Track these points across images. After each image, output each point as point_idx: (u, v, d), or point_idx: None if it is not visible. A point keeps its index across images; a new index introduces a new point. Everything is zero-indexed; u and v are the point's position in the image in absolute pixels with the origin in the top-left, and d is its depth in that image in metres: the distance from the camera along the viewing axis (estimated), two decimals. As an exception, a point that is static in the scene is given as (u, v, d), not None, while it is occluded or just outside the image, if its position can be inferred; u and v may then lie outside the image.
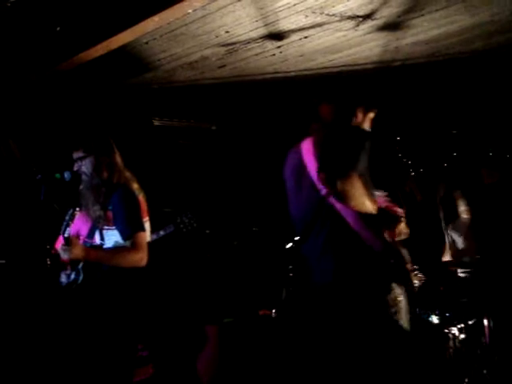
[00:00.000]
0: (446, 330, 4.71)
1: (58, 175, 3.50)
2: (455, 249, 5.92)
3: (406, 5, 3.92)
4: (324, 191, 2.88)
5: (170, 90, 5.53)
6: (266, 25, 4.13)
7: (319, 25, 4.19)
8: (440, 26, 4.34)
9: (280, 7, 3.86)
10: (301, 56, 4.81)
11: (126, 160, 3.70)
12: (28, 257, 4.25)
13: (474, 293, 5.15)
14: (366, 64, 5.10)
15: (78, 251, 3.25)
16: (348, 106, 3.15)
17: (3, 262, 4.21)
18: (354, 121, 3.11)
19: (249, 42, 4.43)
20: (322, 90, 3.61)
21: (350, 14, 4.03)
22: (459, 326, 4.75)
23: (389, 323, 2.85)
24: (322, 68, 5.15)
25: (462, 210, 5.94)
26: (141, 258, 3.35)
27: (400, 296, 2.88)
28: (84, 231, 3.53)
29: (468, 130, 6.81)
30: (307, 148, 3.10)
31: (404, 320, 2.90)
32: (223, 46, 4.48)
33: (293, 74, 5.26)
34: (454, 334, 4.69)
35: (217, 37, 4.31)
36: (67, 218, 3.60)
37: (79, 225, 3.57)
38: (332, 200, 2.90)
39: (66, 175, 3.51)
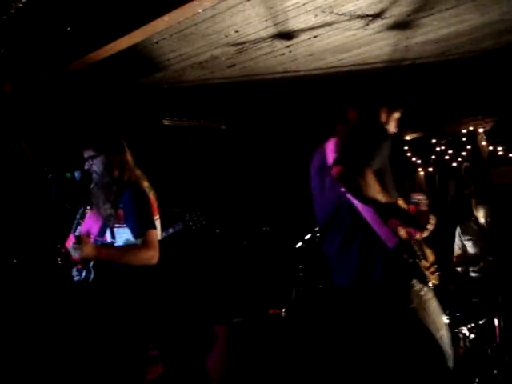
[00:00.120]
0: (457, 330, 4.70)
1: (68, 174, 3.51)
2: (464, 249, 5.89)
3: (416, 4, 3.91)
4: (342, 188, 2.86)
5: (179, 89, 5.55)
6: (275, 24, 4.13)
7: (329, 24, 4.19)
8: (450, 25, 4.33)
9: (289, 6, 3.86)
10: (310, 55, 4.81)
11: (137, 159, 3.71)
12: (39, 256, 4.27)
13: (484, 292, 5.14)
14: (376, 63, 5.10)
15: (88, 250, 3.26)
16: (371, 106, 3.16)
17: (15, 261, 4.23)
18: (378, 121, 3.12)
19: (258, 42, 4.44)
20: (346, 90, 3.62)
21: (359, 13, 4.03)
22: (469, 326, 4.74)
23: (412, 321, 2.86)
24: (332, 67, 5.15)
25: (481, 215, 5.80)
26: (152, 255, 3.35)
27: (422, 291, 2.89)
28: (95, 230, 3.53)
29: (475, 128, 6.81)
30: (331, 148, 3.10)
31: (431, 316, 2.90)
32: (233, 45, 4.49)
33: (302, 73, 5.26)
34: (464, 334, 4.69)
35: (226, 36, 4.31)
36: (78, 216, 3.61)
37: (90, 223, 3.58)
38: (350, 197, 2.90)
39: (77, 174, 3.52)
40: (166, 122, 6.15)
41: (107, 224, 3.45)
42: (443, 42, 4.65)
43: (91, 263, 3.38)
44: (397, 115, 3.20)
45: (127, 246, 3.42)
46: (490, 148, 6.75)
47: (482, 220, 5.74)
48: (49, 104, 5.13)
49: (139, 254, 3.34)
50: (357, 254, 2.94)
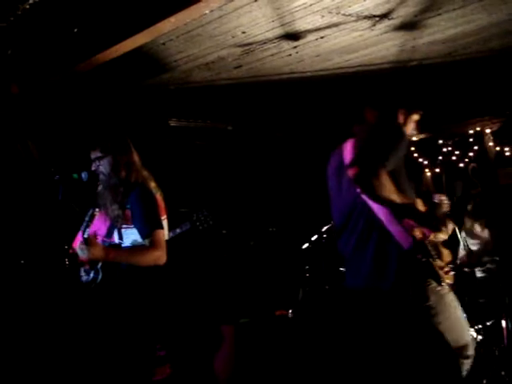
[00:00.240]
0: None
1: (75, 175, 3.52)
2: (470, 250, 5.86)
3: (423, 4, 3.90)
4: (358, 189, 2.92)
5: (186, 90, 5.55)
6: (282, 25, 4.13)
7: (335, 25, 4.18)
8: (457, 26, 4.32)
9: (296, 7, 3.86)
10: (317, 56, 4.81)
11: (144, 160, 3.71)
12: (46, 257, 4.28)
13: (491, 294, 5.12)
14: (383, 64, 5.09)
15: (97, 251, 3.27)
16: (389, 107, 3.21)
17: (22, 262, 4.24)
18: (395, 123, 3.16)
19: (265, 43, 4.44)
20: (363, 91, 3.64)
21: (366, 13, 4.03)
22: (477, 327, 4.72)
23: (426, 320, 2.91)
24: (338, 68, 5.15)
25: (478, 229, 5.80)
26: (159, 256, 3.36)
27: (438, 287, 2.94)
28: (102, 230, 3.54)
29: (482, 129, 6.78)
30: (348, 149, 3.16)
31: (448, 311, 2.96)
32: (239, 46, 4.49)
33: (309, 74, 5.25)
34: (471, 336, 4.67)
35: (233, 37, 4.31)
36: (87, 218, 3.62)
37: (98, 224, 3.58)
38: (365, 197, 2.94)
39: (84, 175, 3.53)
40: (172, 123, 6.15)
41: (115, 225, 3.46)
42: (450, 42, 4.64)
43: (99, 264, 3.39)
44: (415, 117, 3.25)
45: (135, 247, 3.42)
46: (497, 148, 6.72)
47: (478, 230, 5.75)
48: (56, 105, 5.14)
49: (147, 255, 3.34)
50: (371, 254, 2.99)
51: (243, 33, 4.24)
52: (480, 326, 4.74)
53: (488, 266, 5.55)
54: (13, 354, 3.97)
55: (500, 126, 6.71)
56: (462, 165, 6.93)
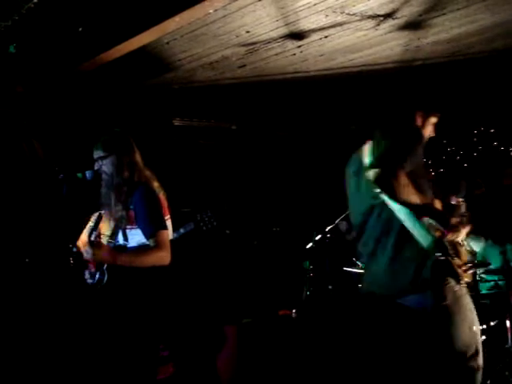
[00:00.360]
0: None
1: (79, 174, 3.52)
2: (472, 250, 5.85)
3: (427, 4, 3.90)
4: (378, 190, 2.98)
5: (190, 89, 5.55)
6: (286, 24, 4.13)
7: (339, 24, 4.18)
8: (461, 25, 4.31)
9: (300, 7, 3.86)
10: (321, 55, 4.81)
11: (147, 160, 3.71)
12: (51, 255, 4.28)
13: (495, 294, 5.11)
14: (387, 63, 5.09)
15: (104, 255, 3.28)
16: (406, 110, 3.27)
17: (27, 260, 4.24)
18: (413, 125, 3.21)
19: (269, 42, 4.43)
20: (383, 94, 3.68)
21: (370, 13, 4.02)
22: (481, 328, 4.71)
23: (443, 320, 2.94)
24: (342, 68, 5.15)
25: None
26: (164, 256, 3.36)
27: (456, 287, 2.97)
28: (107, 231, 3.54)
29: (486, 129, 6.77)
30: (367, 151, 3.22)
31: (464, 312, 2.98)
32: (243, 45, 4.49)
33: (313, 73, 5.25)
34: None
35: (237, 37, 4.31)
36: (93, 220, 3.62)
37: (102, 225, 3.59)
38: (385, 198, 3.00)
39: (88, 174, 3.53)
40: (176, 123, 6.15)
41: (119, 226, 3.46)
42: (454, 42, 4.64)
43: (105, 265, 3.39)
44: (433, 119, 3.29)
45: (139, 249, 3.42)
46: (502, 148, 6.71)
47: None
48: (60, 104, 5.15)
49: (151, 256, 3.34)
50: (390, 253, 3.03)
51: (247, 32, 4.24)
52: (484, 327, 4.72)
53: (491, 266, 5.54)
54: (16, 353, 3.97)
55: (504, 125, 6.70)
56: (466, 165, 6.93)
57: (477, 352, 3.00)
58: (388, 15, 4.06)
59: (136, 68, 4.85)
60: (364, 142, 3.29)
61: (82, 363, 3.58)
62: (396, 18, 4.12)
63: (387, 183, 2.81)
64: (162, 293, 3.45)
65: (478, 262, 5.70)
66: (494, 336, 4.72)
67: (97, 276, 3.41)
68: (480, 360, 3.01)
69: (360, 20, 4.12)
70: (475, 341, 3.01)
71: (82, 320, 3.59)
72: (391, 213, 3.03)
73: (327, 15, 4.01)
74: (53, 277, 4.00)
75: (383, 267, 3.07)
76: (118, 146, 3.57)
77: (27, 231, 4.32)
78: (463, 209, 3.10)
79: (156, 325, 3.39)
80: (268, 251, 6.54)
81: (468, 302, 3.02)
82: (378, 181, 2.85)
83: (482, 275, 5.60)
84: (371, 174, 2.89)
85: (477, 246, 5.73)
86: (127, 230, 3.45)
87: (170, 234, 3.56)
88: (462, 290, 3.00)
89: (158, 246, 3.35)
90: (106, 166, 3.55)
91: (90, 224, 3.66)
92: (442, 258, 2.94)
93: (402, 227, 3.01)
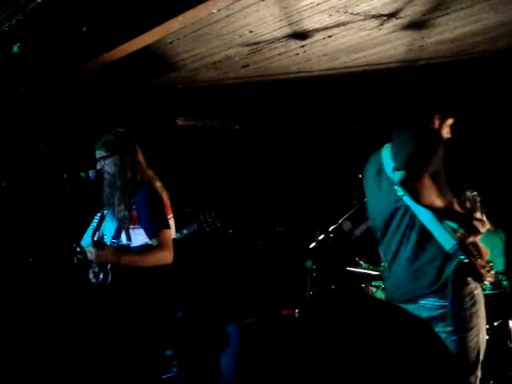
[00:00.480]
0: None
1: (83, 174, 3.53)
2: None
3: (431, 3, 3.89)
4: (400, 192, 3.04)
5: (193, 89, 5.55)
6: (289, 24, 4.12)
7: (343, 24, 4.17)
8: (465, 25, 4.30)
9: (304, 6, 3.85)
10: (324, 55, 4.80)
11: (151, 159, 3.71)
12: (55, 255, 4.29)
13: (499, 294, 5.10)
14: (391, 63, 5.08)
15: (107, 256, 3.29)
16: (425, 113, 3.32)
17: (31, 259, 4.25)
18: (430, 127, 3.28)
19: (272, 42, 4.43)
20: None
21: (374, 12, 4.01)
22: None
23: (459, 322, 2.98)
24: (346, 67, 5.14)
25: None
26: (167, 256, 3.36)
27: (476, 290, 3.03)
28: (110, 231, 3.54)
29: (489, 129, 6.75)
30: (387, 153, 3.25)
31: (480, 315, 3.04)
32: (247, 45, 4.48)
33: (316, 73, 5.25)
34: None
35: (240, 36, 4.31)
36: (96, 220, 3.63)
37: (105, 225, 3.59)
38: (407, 200, 3.05)
39: (91, 174, 3.53)
40: (179, 122, 6.15)
41: (122, 226, 3.46)
42: (458, 41, 4.63)
43: (108, 265, 3.40)
44: (450, 121, 3.34)
45: (142, 249, 3.43)
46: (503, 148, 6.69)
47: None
48: (64, 104, 5.15)
49: (154, 255, 3.35)
50: (412, 255, 3.07)
51: (250, 32, 4.23)
52: (487, 327, 4.71)
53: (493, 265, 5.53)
54: (20, 352, 3.98)
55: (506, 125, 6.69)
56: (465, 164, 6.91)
57: (477, 361, 3.02)
58: (392, 15, 4.05)
59: (139, 68, 4.85)
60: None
61: (87, 362, 3.58)
62: (400, 18, 4.11)
63: (412, 186, 2.84)
64: (165, 292, 3.45)
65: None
66: (497, 336, 4.71)
67: (100, 276, 3.41)
68: (478, 372, 3.03)
69: (363, 20, 4.11)
70: (478, 350, 3.03)
71: (86, 319, 3.60)
72: (414, 215, 3.07)
73: (331, 15, 4.01)
74: (57, 276, 4.01)
75: (405, 268, 3.10)
76: (120, 146, 3.58)
77: (31, 231, 4.33)
78: (479, 203, 3.13)
79: (159, 324, 3.39)
80: (271, 251, 6.54)
81: (481, 309, 3.06)
82: (403, 183, 2.88)
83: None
84: (396, 176, 2.91)
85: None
86: (130, 230, 3.46)
87: (172, 233, 3.56)
88: (480, 295, 3.05)
89: (160, 245, 3.35)
90: (108, 166, 3.56)
91: (93, 224, 3.67)
92: (466, 260, 2.96)
93: (424, 229, 3.03)
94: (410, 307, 3.07)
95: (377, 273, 5.45)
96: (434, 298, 3.00)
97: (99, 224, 3.62)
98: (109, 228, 3.57)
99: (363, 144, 3.35)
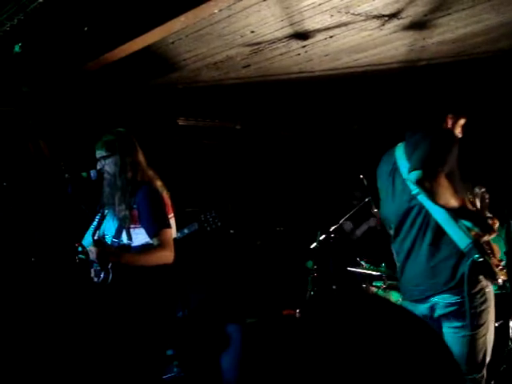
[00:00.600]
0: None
1: (84, 174, 3.53)
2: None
3: (433, 4, 3.89)
4: (415, 191, 3.08)
5: (194, 89, 5.55)
6: (291, 24, 4.12)
7: (344, 24, 4.17)
8: (466, 25, 4.30)
9: (305, 7, 3.85)
10: (326, 55, 4.80)
11: (152, 159, 3.72)
12: (57, 254, 4.30)
13: (499, 294, 5.09)
14: (392, 63, 5.08)
15: (107, 255, 3.29)
16: (439, 113, 3.35)
17: (33, 259, 4.26)
18: (443, 127, 3.31)
19: (274, 42, 4.43)
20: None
21: (375, 13, 4.01)
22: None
23: (477, 316, 3.01)
24: (347, 68, 5.14)
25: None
26: (168, 255, 3.37)
27: (487, 287, 3.05)
28: (111, 231, 3.55)
29: (489, 129, 6.75)
30: (401, 153, 3.28)
31: (490, 313, 3.09)
32: (248, 45, 4.48)
33: (317, 73, 5.25)
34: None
35: (242, 36, 4.31)
36: (96, 219, 3.63)
37: (106, 225, 3.59)
38: (422, 199, 3.08)
39: (93, 174, 3.54)
40: (180, 122, 6.16)
41: (123, 225, 3.46)
42: (460, 42, 4.63)
43: (109, 264, 3.40)
44: (462, 121, 3.37)
45: (143, 248, 3.43)
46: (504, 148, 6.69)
47: None
48: (65, 104, 5.16)
49: (155, 255, 3.35)
50: (427, 253, 3.10)
51: (252, 32, 4.23)
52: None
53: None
54: (22, 352, 3.98)
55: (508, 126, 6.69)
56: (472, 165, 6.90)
57: (484, 361, 3.03)
58: (393, 15, 4.05)
59: (141, 68, 4.85)
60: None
61: (88, 362, 3.58)
62: (401, 18, 4.11)
63: (429, 185, 2.86)
64: (166, 292, 3.45)
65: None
66: (498, 336, 4.71)
67: (102, 275, 3.42)
68: (484, 371, 3.04)
69: (365, 20, 4.11)
70: (485, 350, 3.04)
71: (88, 319, 3.60)
72: (428, 214, 3.09)
73: (332, 15, 4.01)
74: (58, 276, 4.01)
75: (419, 266, 3.13)
76: (120, 146, 3.58)
77: (33, 230, 4.33)
78: (487, 200, 3.15)
79: (160, 324, 3.40)
80: (272, 251, 6.54)
81: (491, 306, 3.09)
82: (419, 183, 2.89)
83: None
84: (412, 176, 2.92)
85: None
86: (131, 230, 3.46)
87: (173, 232, 3.57)
88: (491, 292, 3.07)
89: (161, 244, 3.35)
90: (108, 166, 3.56)
91: (94, 223, 3.67)
92: (481, 259, 2.97)
93: (439, 228, 3.06)
94: (425, 305, 3.13)
95: (377, 273, 5.46)
96: (448, 295, 3.03)
97: (100, 223, 3.62)
98: (109, 227, 3.57)
99: (364, 144, 3.35)
